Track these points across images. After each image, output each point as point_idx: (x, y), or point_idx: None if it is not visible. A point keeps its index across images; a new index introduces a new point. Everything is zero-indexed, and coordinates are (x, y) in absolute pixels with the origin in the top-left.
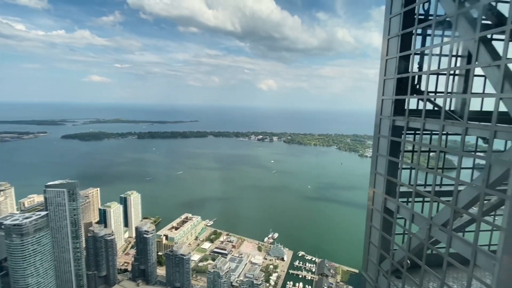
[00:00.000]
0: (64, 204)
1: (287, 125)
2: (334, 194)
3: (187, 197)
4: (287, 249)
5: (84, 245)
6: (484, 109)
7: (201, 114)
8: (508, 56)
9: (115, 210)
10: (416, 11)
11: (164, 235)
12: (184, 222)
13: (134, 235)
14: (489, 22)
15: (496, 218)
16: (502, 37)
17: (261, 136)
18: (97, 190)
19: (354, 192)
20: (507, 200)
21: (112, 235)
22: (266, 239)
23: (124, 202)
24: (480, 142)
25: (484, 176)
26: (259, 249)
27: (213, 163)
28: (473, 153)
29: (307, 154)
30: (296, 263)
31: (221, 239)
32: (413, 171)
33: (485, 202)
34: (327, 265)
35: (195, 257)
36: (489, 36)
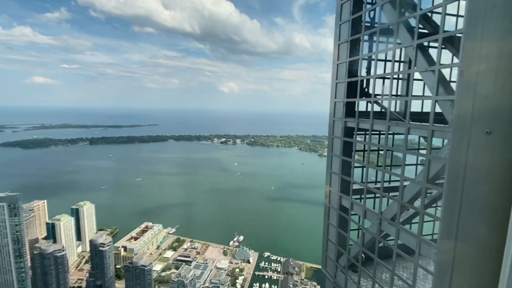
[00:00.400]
0: (3, 220)
1: (250, 127)
2: (297, 194)
3: (147, 204)
4: (252, 251)
5: (29, 264)
6: (424, 110)
7: (161, 118)
8: (441, 62)
9: (65, 223)
10: (363, 19)
11: (122, 246)
12: (144, 231)
13: (88, 248)
14: (426, 31)
15: (438, 209)
16: (436, 44)
17: (224, 139)
18: (44, 203)
19: (315, 191)
20: (443, 193)
21: (63, 250)
22: (231, 242)
23: (76, 214)
24: (423, 140)
25: (425, 171)
26: (225, 253)
27: (174, 168)
28: (415, 150)
29: (270, 155)
30: (262, 264)
31: (185, 246)
32: (365, 169)
33: (428, 195)
34: (291, 263)
35: (157, 267)
36: (425, 43)
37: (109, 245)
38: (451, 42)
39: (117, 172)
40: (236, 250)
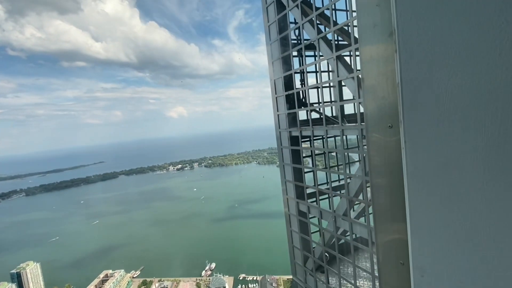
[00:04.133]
0: None
1: (206, 149)
2: (262, 207)
3: (105, 249)
4: (227, 276)
5: None
6: (356, 112)
7: (107, 154)
8: (357, 69)
9: None
10: (289, 37)
11: None
12: (104, 281)
13: None
14: (345, 42)
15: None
16: (354, 53)
17: (180, 165)
18: None
19: (279, 201)
20: (370, 181)
21: None
22: (203, 272)
23: (17, 278)
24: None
25: (362, 166)
26: (198, 285)
27: (130, 205)
28: (353, 149)
29: (230, 174)
30: (239, 287)
31: (153, 287)
32: (315, 173)
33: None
34: (268, 280)
35: None
36: (344, 54)
37: None
38: None
39: (68, 219)
40: (209, 279)
